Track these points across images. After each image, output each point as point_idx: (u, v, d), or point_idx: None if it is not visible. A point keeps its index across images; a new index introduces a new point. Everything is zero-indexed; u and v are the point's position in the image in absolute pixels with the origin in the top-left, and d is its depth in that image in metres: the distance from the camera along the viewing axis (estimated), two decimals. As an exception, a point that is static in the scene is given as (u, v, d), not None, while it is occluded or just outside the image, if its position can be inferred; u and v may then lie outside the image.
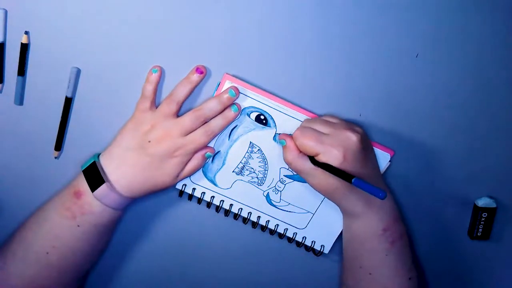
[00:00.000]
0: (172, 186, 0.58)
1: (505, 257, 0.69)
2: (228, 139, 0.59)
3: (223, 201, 0.62)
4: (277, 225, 0.63)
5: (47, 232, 0.55)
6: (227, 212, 0.63)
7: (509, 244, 0.68)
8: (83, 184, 0.54)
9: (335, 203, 0.59)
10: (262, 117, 0.59)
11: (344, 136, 0.54)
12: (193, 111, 0.56)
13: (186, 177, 0.58)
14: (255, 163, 0.60)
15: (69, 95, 0.57)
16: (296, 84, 0.59)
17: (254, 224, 0.63)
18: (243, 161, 0.60)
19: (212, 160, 0.60)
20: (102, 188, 0.54)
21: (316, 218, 0.63)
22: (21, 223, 0.57)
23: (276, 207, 0.62)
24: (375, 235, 0.58)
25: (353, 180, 0.50)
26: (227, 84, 0.57)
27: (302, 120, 0.59)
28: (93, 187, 0.54)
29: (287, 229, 0.63)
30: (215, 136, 0.58)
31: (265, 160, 0.60)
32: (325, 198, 0.60)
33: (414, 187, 0.64)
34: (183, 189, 0.61)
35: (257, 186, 0.61)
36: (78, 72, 0.57)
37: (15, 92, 0.57)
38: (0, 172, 0.60)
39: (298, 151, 0.56)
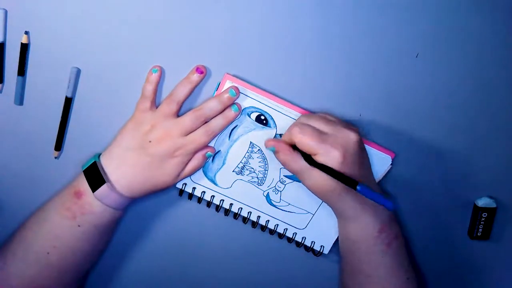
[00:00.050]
0: (173, 186, 0.58)
1: (505, 257, 0.69)
2: (229, 139, 0.59)
3: (223, 200, 0.62)
4: (277, 225, 0.63)
5: (47, 232, 0.55)
6: (227, 212, 0.63)
7: (509, 244, 0.68)
8: (84, 184, 0.54)
9: (329, 205, 0.58)
10: (262, 117, 0.59)
11: (344, 136, 0.53)
12: (193, 111, 0.56)
13: (187, 177, 0.58)
14: (255, 163, 0.60)
15: (69, 95, 0.57)
16: (296, 84, 0.59)
17: (254, 224, 0.63)
18: (243, 161, 0.60)
19: (213, 160, 0.60)
20: (103, 188, 0.54)
21: (316, 219, 0.63)
22: (21, 223, 0.57)
23: (276, 207, 0.62)
24: (370, 237, 0.57)
25: (358, 188, 0.48)
26: (227, 84, 0.57)
27: (302, 120, 0.59)
28: (94, 187, 0.54)
29: (287, 229, 0.63)
30: (216, 136, 0.58)
31: (265, 160, 0.60)
32: (325, 198, 0.60)
33: (414, 187, 0.64)
34: (183, 188, 0.61)
35: (257, 186, 0.61)
36: (78, 72, 0.57)
37: (15, 92, 0.57)
38: (0, 172, 0.60)
39: (290, 150, 0.55)
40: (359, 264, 0.59)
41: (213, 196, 0.62)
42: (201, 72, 0.57)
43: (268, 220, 0.63)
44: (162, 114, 0.56)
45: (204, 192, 0.61)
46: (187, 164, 0.57)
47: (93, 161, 0.55)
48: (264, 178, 0.61)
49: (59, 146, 0.59)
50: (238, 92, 0.57)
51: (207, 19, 0.56)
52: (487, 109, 0.62)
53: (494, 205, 0.65)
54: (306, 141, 0.53)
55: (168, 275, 0.66)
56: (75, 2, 0.55)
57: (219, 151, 0.60)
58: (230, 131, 0.59)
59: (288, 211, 0.63)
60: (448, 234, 0.67)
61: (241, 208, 0.62)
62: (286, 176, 0.61)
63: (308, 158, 0.54)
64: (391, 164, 0.61)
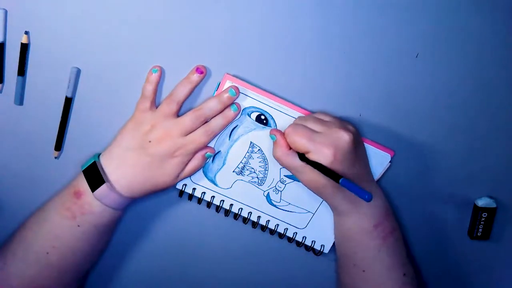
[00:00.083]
0: (173, 186, 0.58)
1: (505, 257, 0.69)
2: (229, 139, 0.59)
3: (223, 201, 0.62)
4: (277, 225, 0.63)
5: (47, 232, 0.55)
6: (227, 212, 0.63)
7: (509, 244, 0.68)
8: (83, 184, 0.54)
9: (324, 200, 0.59)
10: (262, 117, 0.59)
11: (336, 135, 0.54)
12: (193, 111, 0.56)
13: (187, 177, 0.58)
14: (255, 163, 0.60)
15: (69, 95, 0.57)
16: (296, 84, 0.59)
17: (254, 224, 0.63)
18: (243, 161, 0.60)
19: (213, 160, 0.60)
20: (102, 188, 0.54)
21: (316, 218, 0.63)
22: (21, 223, 0.57)
23: (276, 207, 0.62)
24: (366, 231, 0.58)
25: (340, 181, 0.50)
26: (227, 84, 0.57)
27: (302, 120, 0.59)
28: (93, 187, 0.54)
29: (287, 229, 0.63)
30: (216, 136, 0.58)
31: (266, 160, 0.60)
32: (325, 198, 0.60)
33: (414, 187, 0.64)
34: (183, 189, 0.61)
35: (257, 186, 0.61)
36: (78, 72, 0.57)
37: (15, 92, 0.57)
38: (0, 172, 0.60)
39: (288, 148, 0.56)
40: (354, 259, 0.59)
41: (213, 197, 0.62)
42: (201, 72, 0.57)
43: (269, 220, 0.63)
44: (162, 114, 0.56)
45: (204, 192, 0.61)
46: (187, 164, 0.57)
47: (93, 161, 0.55)
48: (265, 178, 0.61)
49: (59, 146, 0.59)
50: (238, 91, 0.57)
51: (207, 19, 0.56)
52: (487, 109, 0.62)
53: (494, 205, 0.65)
54: (298, 140, 0.54)
55: (168, 275, 0.66)
56: (75, 2, 0.55)
57: (219, 151, 0.60)
58: (230, 131, 0.59)
59: (289, 211, 0.63)
60: (448, 234, 0.67)
61: (241, 209, 0.62)
62: (286, 176, 0.61)
63: (302, 156, 0.55)
64: (390, 162, 0.61)
